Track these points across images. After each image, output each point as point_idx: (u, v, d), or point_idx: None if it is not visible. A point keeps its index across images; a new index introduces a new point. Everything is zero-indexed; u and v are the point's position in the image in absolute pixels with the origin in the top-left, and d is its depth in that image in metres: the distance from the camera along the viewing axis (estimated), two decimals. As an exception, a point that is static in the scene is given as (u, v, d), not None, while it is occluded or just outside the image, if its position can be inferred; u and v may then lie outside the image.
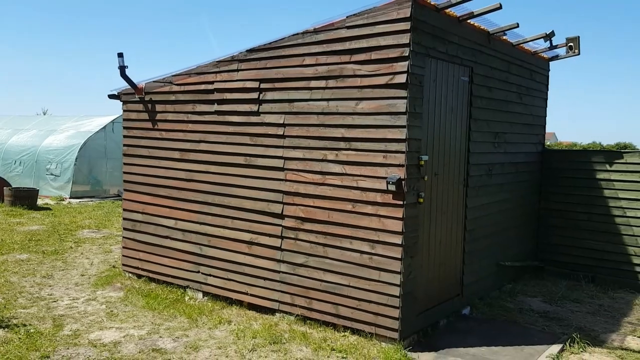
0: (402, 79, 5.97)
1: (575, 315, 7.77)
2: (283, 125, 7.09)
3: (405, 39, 5.94)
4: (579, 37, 9.27)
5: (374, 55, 6.20)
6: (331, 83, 6.59)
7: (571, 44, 9.35)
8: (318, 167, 6.78)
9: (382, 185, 6.21)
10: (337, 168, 6.60)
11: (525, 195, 9.43)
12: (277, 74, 7.12)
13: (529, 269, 9.82)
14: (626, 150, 9.17)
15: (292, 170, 7.06)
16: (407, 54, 5.93)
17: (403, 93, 5.98)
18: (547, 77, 9.84)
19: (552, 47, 9.00)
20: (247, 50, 7.32)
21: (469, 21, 7.05)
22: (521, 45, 8.57)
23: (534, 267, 9.92)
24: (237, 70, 7.45)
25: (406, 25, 5.92)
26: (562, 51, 9.45)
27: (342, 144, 6.55)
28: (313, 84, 6.77)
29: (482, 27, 7.36)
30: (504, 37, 8.02)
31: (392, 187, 6.06)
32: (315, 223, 6.78)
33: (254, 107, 7.31)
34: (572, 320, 7.54)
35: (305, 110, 6.86)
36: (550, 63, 9.87)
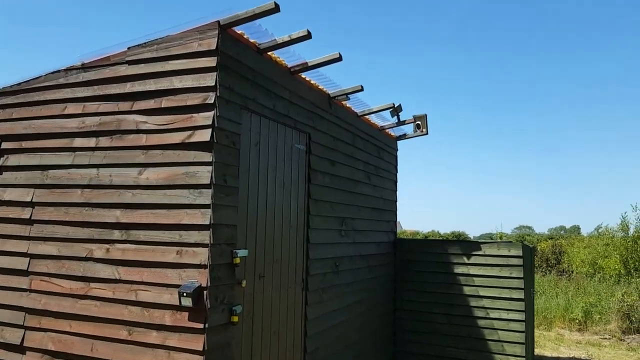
0: (205, 136, 4.03)
1: None
2: (31, 204, 4.62)
3: (209, 79, 4.09)
4: (426, 115, 8.44)
5: (166, 103, 4.23)
6: (104, 142, 4.41)
7: (419, 122, 8.45)
8: (80, 270, 4.36)
9: (173, 297, 3.99)
10: (107, 271, 4.25)
11: (380, 295, 7.82)
12: (26, 128, 4.74)
13: (387, 386, 8.01)
14: (484, 241, 8.21)
15: (40, 275, 4.52)
16: (212, 101, 4.05)
17: (207, 157, 4.02)
18: (396, 157, 8.76)
19: (399, 123, 7.96)
20: (-18, 93, 4.88)
21: (305, 77, 5.52)
22: (367, 117, 7.35)
23: (393, 382, 8.15)
24: (-35, 122, 4.91)
25: (211, 61, 4.09)
26: (409, 129, 8.50)
27: (116, 234, 4.27)
28: (78, 142, 4.52)
29: (321, 87, 5.90)
30: (348, 105, 6.68)
31: (187, 302, 3.87)
32: (67, 361, 4.22)
33: (-15, 177, 4.75)
34: None
35: (65, 181, 4.52)
36: (399, 143, 8.86)
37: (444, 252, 8.27)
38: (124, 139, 4.33)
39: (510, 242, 8.03)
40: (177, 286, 3.98)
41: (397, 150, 8.80)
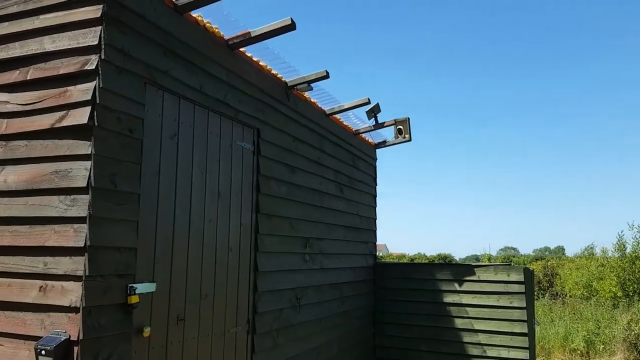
0: (81, 116, 2.76)
1: None
2: None
3: (91, 37, 2.83)
4: (408, 119, 7.24)
5: (35, 73, 2.96)
6: (-51, 130, 3.10)
7: (400, 126, 7.26)
8: None
9: (32, 355, 2.66)
10: (-58, 316, 2.90)
11: (356, 332, 6.49)
12: None
13: None
14: (478, 264, 6.95)
15: None
16: (93, 67, 2.79)
17: (84, 147, 2.74)
18: (375, 167, 7.53)
19: (377, 126, 6.75)
20: None
21: (251, 56, 4.31)
22: (339, 118, 6.13)
23: None
24: None
25: (94, 12, 2.85)
26: (389, 134, 7.31)
27: (-42, 262, 2.93)
28: None
29: (275, 72, 4.68)
30: (313, 100, 5.46)
31: (42, 364, 2.55)
32: None
33: None
34: None
35: None
36: (378, 151, 7.63)
37: (431, 277, 6.99)
38: (-26, 125, 3.04)
39: (509, 264, 6.79)
40: (36, 339, 2.66)
41: (376, 159, 7.58)
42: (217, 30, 3.83)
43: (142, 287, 3.05)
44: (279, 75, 4.73)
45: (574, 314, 16.54)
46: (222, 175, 3.92)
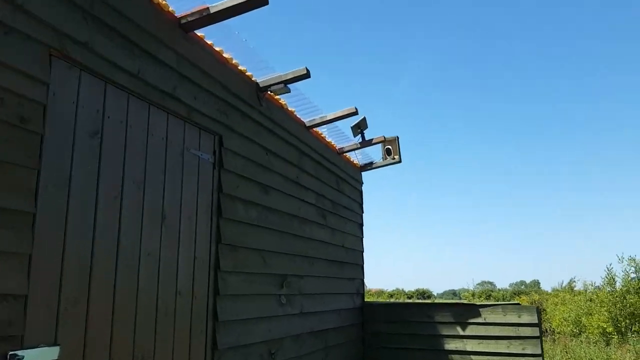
0: None
1: None
2: None
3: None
4: (397, 137, 6.41)
5: None
6: None
7: (389, 146, 6.41)
8: None
9: None
10: None
11: (342, 388, 5.41)
12: None
13: None
14: (484, 304, 5.99)
15: None
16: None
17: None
18: (361, 192, 6.61)
19: (364, 143, 5.87)
20: None
21: (211, 44, 3.40)
22: (320, 131, 5.23)
23: None
24: None
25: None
26: (376, 154, 6.44)
27: None
28: None
29: (243, 69, 3.77)
30: (291, 109, 4.56)
31: None
32: None
33: None
34: None
35: None
36: (364, 174, 6.73)
37: (430, 320, 6.00)
38: None
39: (518, 304, 5.86)
40: None
41: (362, 184, 6.67)
42: (164, 3, 2.92)
43: (34, 355, 2.01)
44: (248, 73, 3.82)
45: (566, 352, 15.63)
46: (169, 192, 2.93)
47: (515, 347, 5.61)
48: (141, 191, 2.70)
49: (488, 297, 28.38)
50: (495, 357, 5.64)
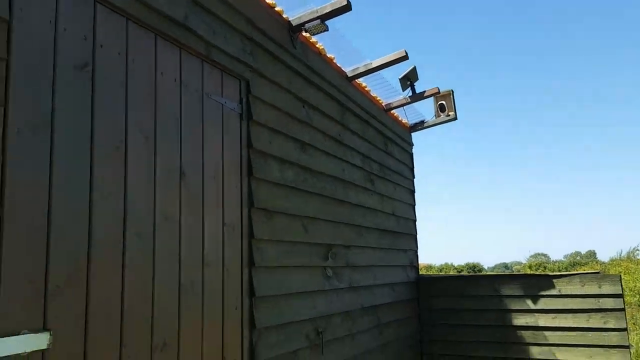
0: None
1: None
2: None
3: None
4: (452, 91, 5.72)
5: None
6: None
7: (442, 101, 5.72)
8: None
9: None
10: None
11: (399, 369, 4.89)
12: None
13: None
14: (558, 275, 5.28)
15: None
16: None
17: None
18: (411, 155, 5.98)
19: (415, 97, 5.22)
20: None
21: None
22: (362, 84, 4.62)
23: None
24: None
25: None
26: (427, 111, 5.78)
27: None
28: None
29: (270, 2, 3.20)
30: (330, 56, 3.97)
31: None
32: None
33: None
34: None
35: None
36: (413, 135, 6.08)
37: (494, 293, 5.37)
38: None
39: (598, 272, 5.14)
40: None
41: (413, 145, 6.02)
42: None
43: (11, 344, 1.56)
44: (278, 8, 3.25)
45: (633, 323, 14.61)
46: (187, 145, 2.43)
47: (595, 321, 4.92)
48: (151, 142, 2.21)
49: (544, 269, 27.15)
50: (572, 333, 4.98)
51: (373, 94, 4.86)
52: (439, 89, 5.28)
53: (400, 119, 5.61)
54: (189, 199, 2.40)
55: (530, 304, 5.18)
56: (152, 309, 2.13)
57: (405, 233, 5.45)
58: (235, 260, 2.70)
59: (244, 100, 2.89)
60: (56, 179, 1.77)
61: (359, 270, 4.18)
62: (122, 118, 2.08)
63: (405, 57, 4.25)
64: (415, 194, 5.91)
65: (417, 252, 5.79)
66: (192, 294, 2.36)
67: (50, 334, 1.69)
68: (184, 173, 2.39)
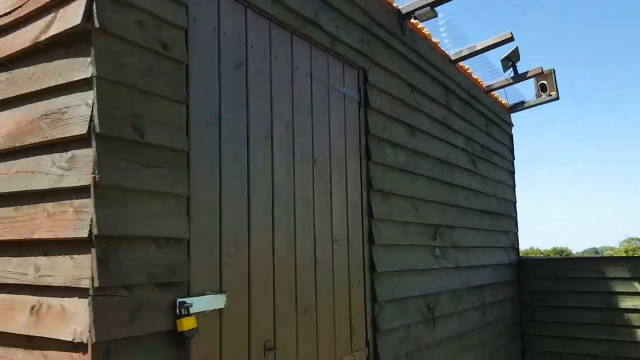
0: (74, 16, 1.61)
1: None
2: None
3: None
4: (553, 71, 5.56)
5: (20, -31, 1.88)
6: None
7: (543, 81, 5.59)
8: None
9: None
10: None
11: (502, 351, 4.95)
12: None
13: None
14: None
15: None
16: None
17: (82, 68, 1.59)
18: (511, 136, 5.91)
19: (517, 78, 5.16)
20: None
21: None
22: (464, 66, 4.65)
23: None
24: None
25: None
26: (527, 91, 5.68)
27: None
28: None
29: (383, -6, 3.35)
30: (435, 40, 4.05)
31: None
32: None
33: None
34: None
35: None
36: (513, 116, 6.00)
37: (599, 276, 5.24)
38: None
39: None
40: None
41: (512, 126, 5.95)
42: None
43: (201, 303, 1.87)
44: (389, -2, 3.39)
45: None
46: (317, 133, 2.66)
47: None
48: (290, 131, 2.46)
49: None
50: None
51: (474, 75, 4.87)
52: (542, 69, 5.17)
53: (500, 99, 5.56)
54: (319, 182, 2.64)
55: (638, 287, 5.02)
56: (295, 279, 2.40)
57: (505, 214, 5.44)
58: (358, 238, 2.93)
59: (362, 88, 3.08)
60: (224, 164, 2.06)
61: (463, 251, 4.28)
62: (269, 110, 2.33)
63: (511, 39, 4.23)
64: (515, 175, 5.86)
65: (517, 234, 5.76)
66: (324, 268, 2.61)
67: (226, 296, 1.99)
68: (315, 158, 2.63)
